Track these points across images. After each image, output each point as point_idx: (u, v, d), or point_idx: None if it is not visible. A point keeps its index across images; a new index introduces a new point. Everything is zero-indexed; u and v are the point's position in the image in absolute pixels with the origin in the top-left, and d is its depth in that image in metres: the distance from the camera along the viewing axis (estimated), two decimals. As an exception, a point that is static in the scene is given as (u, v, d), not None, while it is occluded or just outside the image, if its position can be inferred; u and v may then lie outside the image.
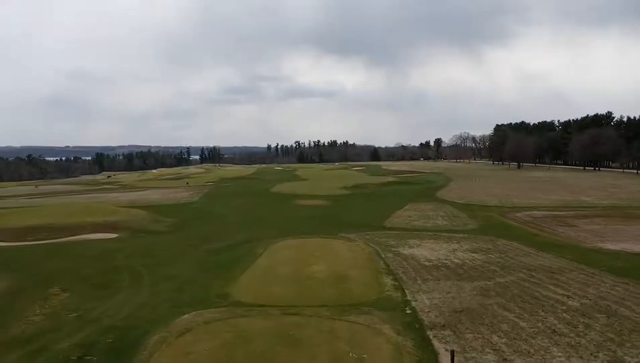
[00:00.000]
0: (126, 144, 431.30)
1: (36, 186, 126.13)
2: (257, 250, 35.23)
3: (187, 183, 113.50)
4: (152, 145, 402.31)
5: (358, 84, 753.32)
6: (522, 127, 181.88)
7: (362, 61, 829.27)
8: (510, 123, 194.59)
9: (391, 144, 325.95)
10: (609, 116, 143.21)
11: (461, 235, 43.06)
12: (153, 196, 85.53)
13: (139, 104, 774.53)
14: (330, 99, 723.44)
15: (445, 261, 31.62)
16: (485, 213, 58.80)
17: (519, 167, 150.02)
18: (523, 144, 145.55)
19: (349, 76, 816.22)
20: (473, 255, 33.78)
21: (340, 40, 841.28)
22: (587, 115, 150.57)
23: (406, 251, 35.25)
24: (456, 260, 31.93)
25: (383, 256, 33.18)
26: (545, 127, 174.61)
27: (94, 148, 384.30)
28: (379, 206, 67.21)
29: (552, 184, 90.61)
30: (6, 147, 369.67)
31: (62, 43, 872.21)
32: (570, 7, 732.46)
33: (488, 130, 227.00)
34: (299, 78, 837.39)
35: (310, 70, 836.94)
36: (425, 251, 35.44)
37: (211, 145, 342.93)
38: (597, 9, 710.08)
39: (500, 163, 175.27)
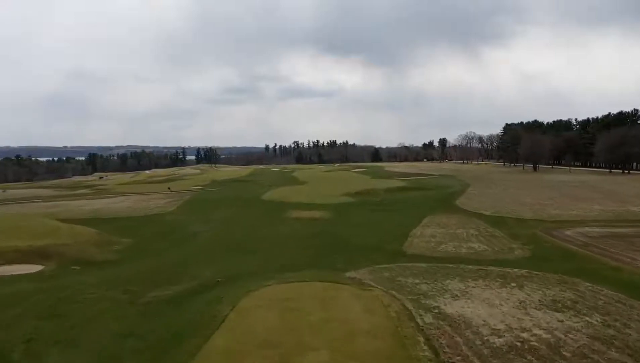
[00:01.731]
0: (124, 144, 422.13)
1: (4, 191, 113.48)
2: (220, 307, 22.44)
3: (169, 188, 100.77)
4: (151, 145, 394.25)
5: (358, 84, 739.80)
6: (534, 127, 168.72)
7: (361, 60, 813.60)
8: (522, 122, 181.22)
9: (392, 145, 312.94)
10: (634, 113, 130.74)
11: (516, 271, 30.79)
12: (123, 204, 73.04)
13: (139, 104, 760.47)
14: (329, 99, 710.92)
15: (524, 335, 19.16)
16: (527, 231, 46.93)
17: (534, 169, 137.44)
18: (538, 144, 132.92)
19: (349, 76, 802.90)
20: (558, 317, 21.34)
21: (340, 40, 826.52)
22: (610, 113, 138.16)
23: (451, 308, 22.78)
24: (540, 332, 19.46)
25: (420, 322, 20.65)
26: (561, 126, 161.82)
27: (92, 148, 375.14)
28: (391, 219, 54.95)
29: (584, 190, 78.21)
30: (5, 147, 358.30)
31: (62, 43, 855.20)
32: (570, 7, 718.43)
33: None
34: (299, 78, 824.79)
35: (310, 70, 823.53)
36: (480, 306, 23.04)
37: (210, 145, 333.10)
38: (597, 9, 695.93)
39: (513, 164, 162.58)
